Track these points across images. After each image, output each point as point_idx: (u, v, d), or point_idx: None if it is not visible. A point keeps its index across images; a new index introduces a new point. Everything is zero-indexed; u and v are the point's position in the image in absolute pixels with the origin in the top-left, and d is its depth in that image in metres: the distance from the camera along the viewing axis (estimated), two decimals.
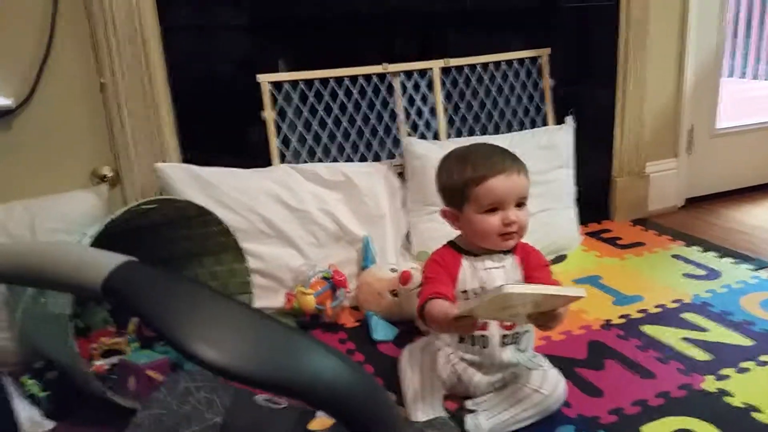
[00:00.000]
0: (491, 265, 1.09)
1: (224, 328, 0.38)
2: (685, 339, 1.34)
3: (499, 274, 1.09)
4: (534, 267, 1.10)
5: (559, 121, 1.88)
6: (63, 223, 1.36)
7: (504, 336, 1.09)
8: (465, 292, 1.09)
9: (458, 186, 1.08)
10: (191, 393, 0.85)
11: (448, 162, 1.12)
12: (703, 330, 1.38)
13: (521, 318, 0.99)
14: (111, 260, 0.42)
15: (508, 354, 1.10)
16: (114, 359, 1.20)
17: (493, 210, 1.06)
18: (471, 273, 1.09)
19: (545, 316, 0.96)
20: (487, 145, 1.15)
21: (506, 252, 1.11)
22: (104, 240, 1.03)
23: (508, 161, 1.08)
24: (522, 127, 1.88)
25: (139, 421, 0.83)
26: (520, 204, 1.08)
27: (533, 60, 1.88)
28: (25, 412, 1.08)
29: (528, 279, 1.09)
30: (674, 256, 1.78)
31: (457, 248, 1.12)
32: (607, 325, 1.41)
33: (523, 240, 1.14)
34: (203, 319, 0.38)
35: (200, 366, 0.37)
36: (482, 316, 1.02)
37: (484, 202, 1.06)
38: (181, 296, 0.40)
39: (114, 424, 0.94)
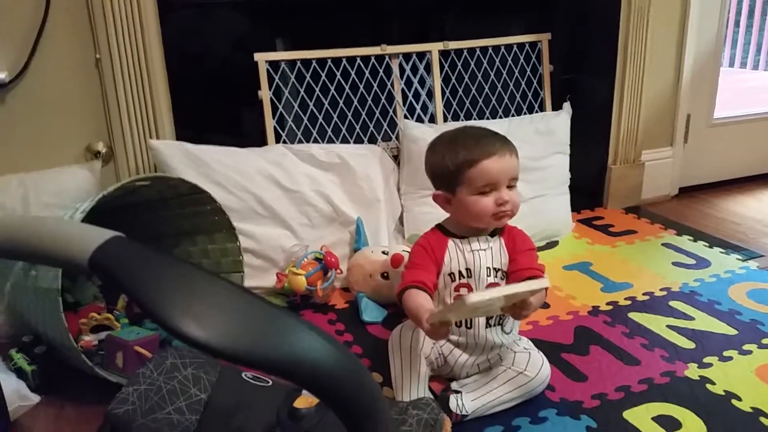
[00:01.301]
0: (477, 246, 1.11)
1: (208, 305, 0.39)
2: (671, 327, 1.36)
3: (486, 255, 1.10)
4: (519, 250, 1.11)
5: (557, 107, 1.88)
6: (56, 197, 1.37)
7: (489, 317, 1.10)
8: (451, 274, 1.10)
9: (451, 169, 1.09)
10: (178, 369, 0.85)
11: (439, 146, 1.13)
12: (689, 318, 1.39)
13: (495, 311, 1.01)
14: (99, 235, 0.43)
15: (493, 335, 1.11)
16: (102, 335, 1.21)
17: (486, 191, 1.08)
18: (457, 255, 1.10)
19: (516, 306, 0.98)
20: (476, 128, 1.16)
21: (493, 234, 1.12)
22: (96, 217, 1.03)
23: (499, 143, 1.09)
24: (520, 112, 1.88)
25: (124, 396, 0.84)
26: (511, 185, 1.10)
27: (533, 45, 1.87)
28: (11, 385, 1.09)
29: (513, 262, 1.11)
30: (665, 245, 1.79)
31: (444, 231, 1.13)
32: (595, 311, 1.43)
33: (517, 225, 1.15)
34: (188, 295, 0.39)
35: (183, 342, 0.37)
36: (456, 319, 1.04)
37: (478, 183, 1.07)
38: (166, 272, 0.41)
39: (100, 399, 0.95)
